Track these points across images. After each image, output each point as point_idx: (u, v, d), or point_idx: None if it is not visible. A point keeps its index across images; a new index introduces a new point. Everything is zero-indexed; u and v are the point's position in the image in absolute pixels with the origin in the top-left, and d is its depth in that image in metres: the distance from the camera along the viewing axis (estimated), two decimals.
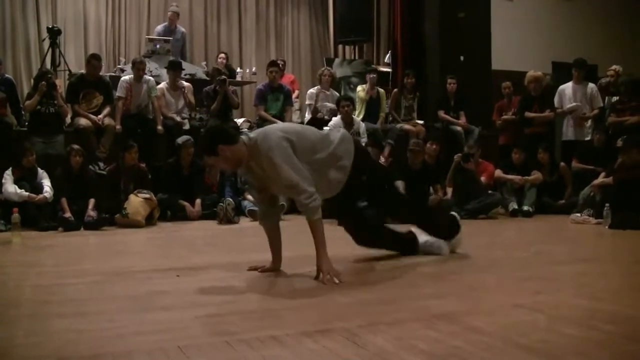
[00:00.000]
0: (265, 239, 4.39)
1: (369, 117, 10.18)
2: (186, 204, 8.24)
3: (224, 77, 9.75)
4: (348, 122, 9.39)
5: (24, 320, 3.13)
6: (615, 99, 9.75)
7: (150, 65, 10.10)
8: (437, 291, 3.66)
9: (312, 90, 10.45)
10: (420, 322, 2.96)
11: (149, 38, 10.94)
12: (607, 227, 7.17)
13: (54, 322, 3.07)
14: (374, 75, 10.49)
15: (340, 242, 4.60)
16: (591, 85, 9.91)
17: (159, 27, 11.54)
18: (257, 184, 4.20)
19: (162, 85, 9.56)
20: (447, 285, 3.85)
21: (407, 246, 4.83)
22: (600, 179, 8.04)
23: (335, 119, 9.49)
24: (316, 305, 3.42)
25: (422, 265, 4.47)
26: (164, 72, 10.04)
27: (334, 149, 4.14)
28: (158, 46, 10.76)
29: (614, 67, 10.20)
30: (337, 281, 3.82)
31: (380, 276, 4.15)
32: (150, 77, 9.53)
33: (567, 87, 9.95)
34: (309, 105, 10.27)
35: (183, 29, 11.71)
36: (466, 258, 4.81)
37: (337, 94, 10.54)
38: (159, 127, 9.14)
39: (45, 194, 7.51)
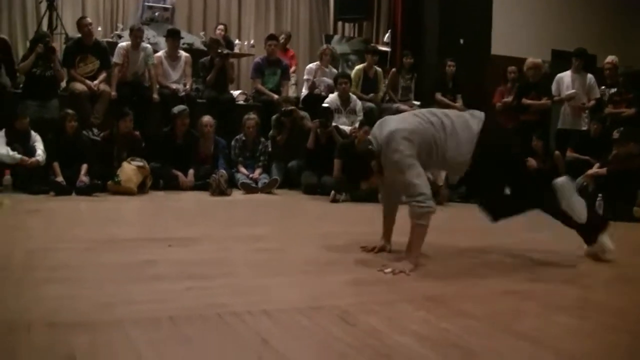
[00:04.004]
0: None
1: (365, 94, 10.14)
2: (179, 173, 8.20)
3: (227, 51, 9.70)
4: (345, 100, 9.37)
5: (13, 285, 3.11)
6: (611, 90, 9.73)
7: (148, 33, 9.99)
8: (429, 274, 3.66)
9: (311, 66, 10.39)
10: (411, 304, 2.97)
11: (148, 5, 10.81)
12: None
13: (44, 288, 3.06)
14: (376, 57, 10.42)
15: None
16: (589, 75, 9.88)
17: None
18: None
19: (160, 53, 9.48)
20: (439, 268, 3.85)
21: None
22: (594, 169, 8.05)
23: (332, 96, 9.47)
24: (309, 282, 3.42)
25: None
26: (161, 41, 9.94)
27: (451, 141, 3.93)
28: (157, 14, 10.65)
29: (610, 58, 10.17)
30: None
31: (374, 257, 4.14)
32: (148, 45, 9.42)
33: (566, 76, 9.92)
34: (307, 80, 10.21)
35: None
36: (459, 243, 4.81)
37: (336, 70, 10.48)
38: (155, 96, 9.07)
39: (38, 157, 7.47)
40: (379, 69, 10.47)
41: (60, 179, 7.34)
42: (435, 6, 11.84)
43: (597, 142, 8.84)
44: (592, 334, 2.67)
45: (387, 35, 12.42)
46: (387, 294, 3.19)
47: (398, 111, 9.91)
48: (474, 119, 3.98)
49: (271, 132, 8.99)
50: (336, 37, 12.64)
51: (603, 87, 9.87)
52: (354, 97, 9.60)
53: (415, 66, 10.62)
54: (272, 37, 10.18)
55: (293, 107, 9.07)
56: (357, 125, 8.73)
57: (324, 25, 14.00)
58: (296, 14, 14.00)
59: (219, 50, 9.53)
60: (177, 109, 8.46)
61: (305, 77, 10.34)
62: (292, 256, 4.15)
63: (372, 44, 11.90)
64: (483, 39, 11.85)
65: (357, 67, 10.54)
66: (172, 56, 9.47)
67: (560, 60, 11.90)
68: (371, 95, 10.18)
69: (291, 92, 10.54)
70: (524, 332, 2.60)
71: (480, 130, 3.89)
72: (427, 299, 3.07)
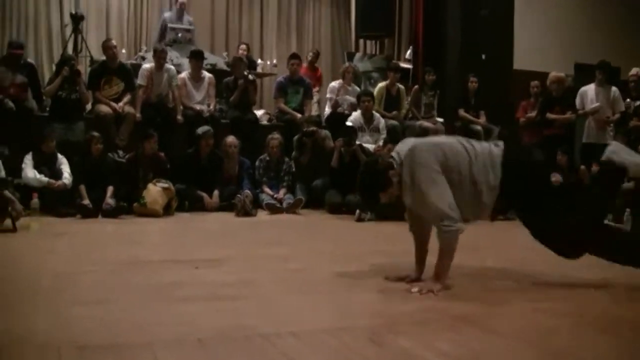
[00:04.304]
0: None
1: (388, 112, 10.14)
2: (204, 194, 8.22)
3: (252, 77, 9.78)
4: (368, 118, 9.38)
5: (43, 308, 3.14)
6: (636, 103, 9.66)
7: (172, 54, 10.08)
8: (456, 293, 3.63)
9: (334, 84, 10.41)
10: (440, 324, 2.95)
11: (171, 27, 10.90)
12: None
13: (73, 310, 3.08)
14: (398, 75, 10.43)
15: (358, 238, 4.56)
16: (614, 88, 9.80)
17: (167, 14, 11.43)
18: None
19: (184, 74, 9.54)
20: (466, 287, 3.81)
21: None
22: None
23: (356, 114, 9.47)
24: (337, 302, 3.41)
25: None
26: (185, 62, 10.01)
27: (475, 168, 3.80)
28: (180, 35, 10.73)
29: (635, 70, 10.09)
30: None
31: (402, 274, 4.11)
32: (171, 66, 9.49)
33: (589, 89, 9.86)
34: (330, 98, 10.23)
35: (190, 18, 11.59)
36: (483, 260, 4.77)
37: (358, 88, 10.49)
38: (179, 117, 9.13)
39: (65, 180, 7.54)
40: (401, 86, 10.47)
41: (86, 201, 7.38)
42: (456, 22, 11.84)
43: None
44: (625, 352, 2.64)
45: (408, 52, 12.43)
46: (416, 313, 3.16)
47: (421, 128, 9.93)
48: (496, 147, 3.92)
49: (294, 153, 9.01)
50: (358, 55, 12.67)
51: (628, 99, 9.78)
52: (377, 115, 9.60)
53: (438, 83, 10.61)
54: (294, 56, 10.22)
55: (314, 128, 9.08)
56: (380, 143, 8.72)
57: (346, 43, 14.06)
58: (317, 32, 14.08)
59: (245, 73, 9.56)
60: (201, 129, 8.49)
61: (328, 95, 10.36)
62: (319, 276, 4.14)
63: (394, 61, 11.91)
64: (505, 54, 11.80)
65: (380, 84, 10.54)
66: (196, 77, 9.52)
67: (583, 74, 11.82)
68: (394, 112, 10.17)
69: (314, 111, 10.56)
70: (555, 350, 2.58)
71: (504, 154, 3.83)
72: (456, 318, 3.04)
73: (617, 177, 4.02)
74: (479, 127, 10.08)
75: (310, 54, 11.51)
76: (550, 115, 9.60)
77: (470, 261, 4.52)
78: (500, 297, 3.60)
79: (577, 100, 9.82)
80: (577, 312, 3.26)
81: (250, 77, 9.70)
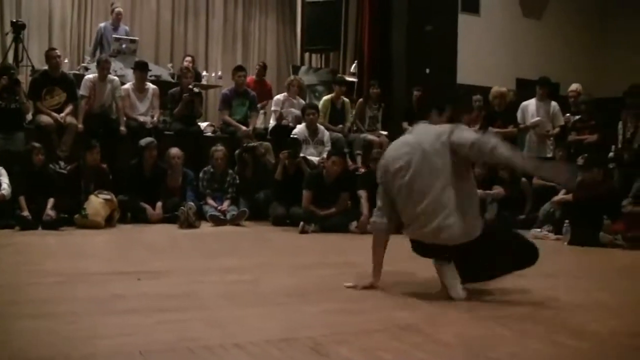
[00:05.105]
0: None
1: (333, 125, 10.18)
2: (147, 206, 8.15)
3: (198, 90, 9.78)
4: (312, 130, 9.40)
5: None
6: (575, 117, 9.88)
7: (115, 65, 9.97)
8: (403, 302, 3.66)
9: (279, 97, 10.41)
10: (385, 333, 2.96)
11: (115, 37, 10.78)
12: (566, 243, 7.28)
13: (16, 323, 3.02)
14: (343, 88, 10.50)
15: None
16: (554, 103, 10.03)
17: (103, 24, 11.29)
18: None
19: (128, 85, 9.44)
20: (412, 297, 3.84)
21: None
22: (561, 195, 8.14)
23: (300, 127, 9.49)
24: (282, 313, 3.40)
25: (388, 275, 4.46)
26: (129, 72, 9.91)
27: None
28: (124, 46, 10.63)
29: (574, 86, 10.34)
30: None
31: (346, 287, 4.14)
32: (115, 77, 9.40)
33: (530, 104, 10.06)
34: (275, 111, 10.23)
35: (127, 27, 11.48)
36: (431, 271, 4.80)
37: (303, 101, 10.52)
38: (122, 128, 9.02)
39: (3, 192, 7.36)
40: (346, 100, 10.52)
41: (26, 213, 7.22)
42: (402, 36, 11.99)
43: None
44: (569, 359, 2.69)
45: (353, 65, 12.51)
46: (361, 323, 3.18)
47: (365, 141, 10.01)
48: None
49: (236, 167, 9.00)
50: (303, 68, 12.69)
51: (567, 114, 10.01)
52: (321, 127, 9.63)
53: (383, 96, 10.71)
54: (241, 68, 10.19)
55: (254, 144, 9.12)
56: (325, 155, 8.76)
57: (291, 56, 14.07)
58: (263, 45, 14.07)
59: (190, 87, 9.52)
60: (144, 141, 8.42)
61: (272, 108, 10.34)
62: (264, 287, 4.12)
63: (340, 75, 11.98)
64: (449, 68, 12.00)
65: (325, 97, 10.58)
66: (140, 88, 9.43)
67: (524, 89, 12.05)
68: (339, 125, 10.22)
69: (260, 124, 10.54)
70: (498, 358, 2.61)
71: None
72: (401, 327, 3.06)
73: None
74: None
75: (257, 66, 11.47)
76: (492, 129, 9.75)
77: (415, 270, 4.55)
78: (444, 305, 3.63)
79: (519, 115, 10.01)
80: (519, 320, 3.30)
81: (196, 89, 9.67)
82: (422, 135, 3.92)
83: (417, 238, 3.90)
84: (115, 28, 11.04)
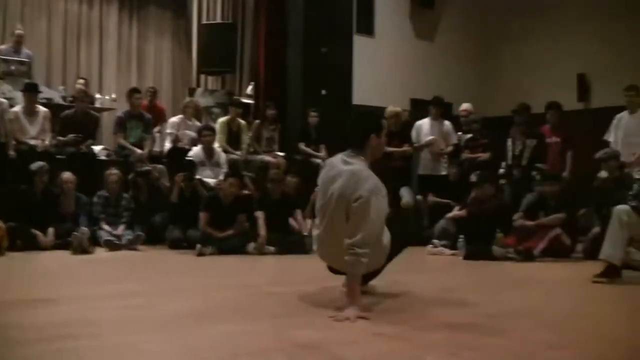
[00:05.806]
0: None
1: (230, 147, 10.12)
2: (38, 232, 7.88)
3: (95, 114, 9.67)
4: (209, 152, 9.32)
5: None
6: (467, 136, 10.16)
7: (4, 87, 9.65)
8: (302, 320, 3.65)
9: (175, 119, 10.30)
10: (284, 352, 2.94)
11: (3, 58, 10.43)
12: (461, 257, 7.46)
13: None
14: (240, 110, 10.48)
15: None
16: (447, 122, 10.31)
17: (3, 47, 10.93)
18: None
19: (17, 108, 9.14)
20: (311, 315, 3.84)
21: None
22: (455, 211, 8.34)
23: (196, 149, 9.40)
24: (179, 336, 3.32)
25: (288, 294, 4.44)
26: (18, 95, 9.58)
27: None
28: (13, 67, 10.29)
29: (464, 106, 10.65)
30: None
31: (247, 306, 4.10)
32: (4, 100, 9.08)
33: (424, 123, 10.29)
34: (170, 133, 10.11)
35: (29, 51, 11.14)
36: (331, 288, 4.80)
37: (199, 123, 10.43)
38: (11, 152, 8.73)
39: None
40: (242, 121, 10.50)
41: None
42: (298, 58, 12.08)
43: (456, 186, 9.20)
44: None
45: (250, 87, 12.50)
46: (259, 343, 3.14)
47: (262, 162, 10.00)
48: None
49: (130, 191, 8.85)
50: (199, 90, 12.60)
51: (459, 132, 10.29)
52: (218, 149, 9.57)
53: (279, 117, 10.74)
54: (136, 90, 10.05)
55: (148, 168, 9.01)
56: (222, 177, 8.71)
57: (187, 77, 13.93)
58: (159, 67, 13.88)
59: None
60: (35, 165, 8.17)
61: (168, 130, 10.22)
62: (161, 312, 4.03)
63: (236, 97, 11.96)
64: (345, 90, 12.16)
65: (221, 119, 10.52)
66: (30, 111, 9.15)
67: (418, 109, 12.31)
68: (238, 152, 10.16)
69: (156, 146, 10.37)
70: None
71: None
72: (300, 346, 3.04)
73: None
74: (319, 161, 10.24)
75: (149, 92, 11.21)
76: (388, 149, 9.89)
77: (315, 287, 4.55)
78: (343, 323, 3.62)
79: (413, 134, 10.22)
80: (416, 336, 3.34)
81: (93, 113, 9.47)
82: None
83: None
84: (16, 51, 10.65)
